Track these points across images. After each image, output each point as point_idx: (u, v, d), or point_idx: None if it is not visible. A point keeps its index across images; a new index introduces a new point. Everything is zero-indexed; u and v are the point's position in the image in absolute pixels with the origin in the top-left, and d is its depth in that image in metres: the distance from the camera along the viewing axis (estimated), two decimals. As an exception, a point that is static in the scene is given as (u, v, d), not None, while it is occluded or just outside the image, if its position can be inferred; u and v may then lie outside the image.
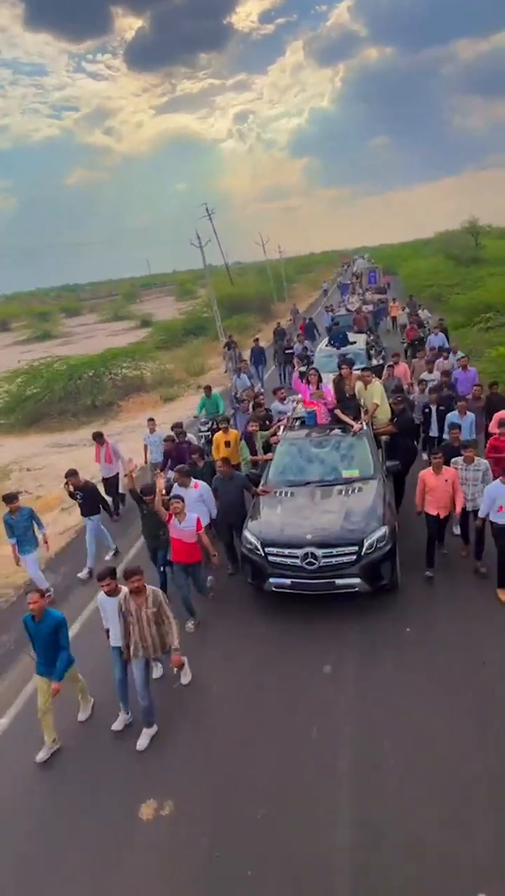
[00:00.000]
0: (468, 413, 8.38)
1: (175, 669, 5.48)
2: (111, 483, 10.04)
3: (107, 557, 8.59)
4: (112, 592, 5.23)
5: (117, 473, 9.96)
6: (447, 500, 6.70)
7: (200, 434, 10.74)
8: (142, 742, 5.11)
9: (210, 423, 10.75)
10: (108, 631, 5.43)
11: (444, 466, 6.69)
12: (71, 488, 8.27)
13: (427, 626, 6.12)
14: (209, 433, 10.19)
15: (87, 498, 8.22)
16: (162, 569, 6.99)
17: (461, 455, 6.84)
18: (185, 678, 5.78)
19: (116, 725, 5.41)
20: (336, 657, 5.84)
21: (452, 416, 8.42)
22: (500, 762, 4.46)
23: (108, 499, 9.81)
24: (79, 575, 8.35)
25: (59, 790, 4.85)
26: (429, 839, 3.98)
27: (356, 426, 7.95)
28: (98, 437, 9.95)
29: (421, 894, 3.67)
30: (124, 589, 5.14)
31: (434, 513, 6.80)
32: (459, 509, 6.74)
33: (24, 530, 7.39)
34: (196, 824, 4.33)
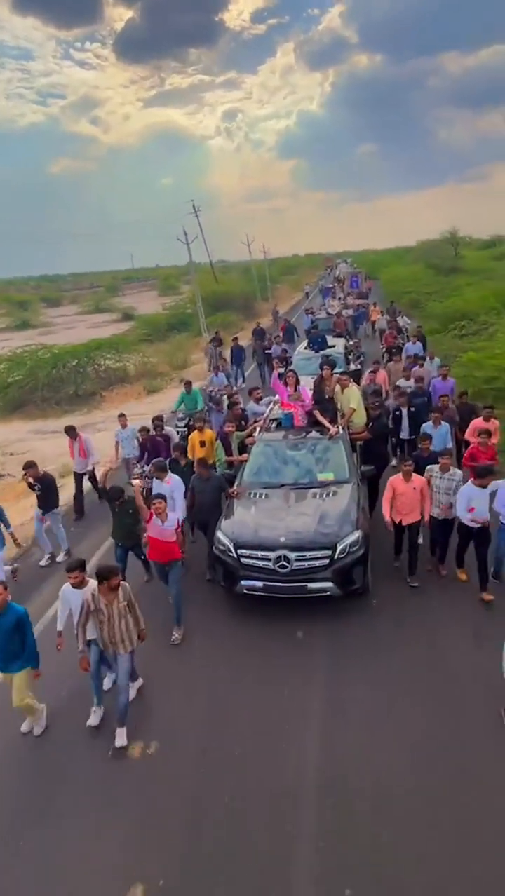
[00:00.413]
0: (442, 423, 8.40)
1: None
2: (87, 478, 9.85)
3: (58, 558, 8.36)
4: (79, 585, 5.16)
5: (92, 469, 9.85)
6: (414, 507, 6.74)
7: (177, 430, 10.65)
8: (119, 741, 5.03)
9: (187, 418, 10.73)
10: (59, 633, 5.28)
11: (413, 474, 6.69)
12: (30, 480, 8.11)
13: (392, 599, 6.77)
14: (185, 429, 10.15)
15: (45, 490, 8.12)
16: (143, 557, 7.04)
17: (435, 464, 6.84)
18: (133, 690, 5.65)
19: (92, 720, 5.33)
20: (308, 624, 6.39)
21: (426, 427, 8.45)
22: (446, 701, 5.22)
23: (90, 493, 9.68)
24: (40, 563, 8.29)
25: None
26: (386, 772, 4.58)
27: (332, 430, 7.97)
28: (70, 432, 9.76)
29: (376, 817, 4.25)
30: (91, 584, 5.10)
31: (397, 519, 6.82)
32: (426, 517, 6.78)
33: None
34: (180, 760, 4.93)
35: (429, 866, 3.86)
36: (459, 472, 6.80)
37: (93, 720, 5.36)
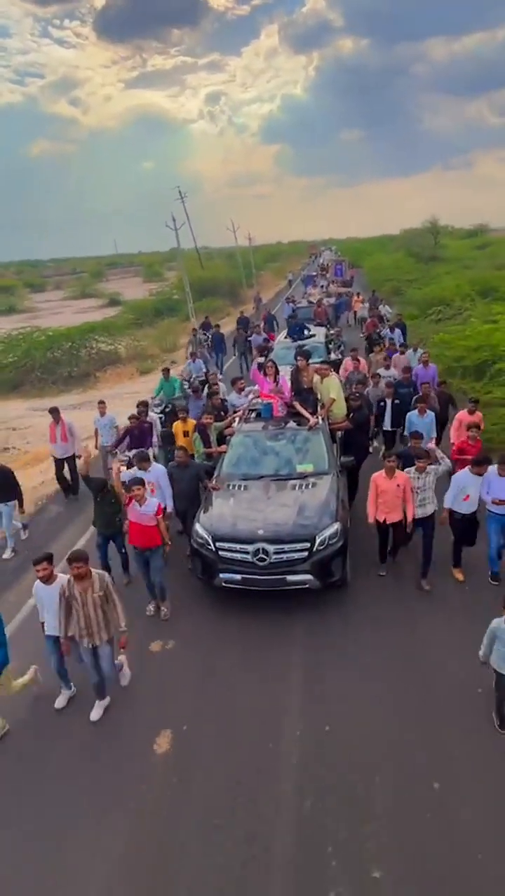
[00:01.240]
0: (428, 412, 8.26)
1: (120, 656, 5.35)
2: (68, 463, 9.59)
3: (4, 556, 8.14)
4: (47, 579, 5.04)
5: (73, 454, 9.59)
6: (397, 504, 6.46)
7: (155, 415, 10.35)
8: (95, 713, 5.10)
9: (164, 405, 10.59)
10: (42, 623, 5.19)
11: (397, 471, 6.44)
12: None
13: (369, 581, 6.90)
14: (162, 416, 10.02)
15: (2, 481, 7.85)
16: (123, 550, 6.94)
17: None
18: (125, 680, 5.50)
19: (59, 702, 5.31)
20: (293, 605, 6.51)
21: (413, 417, 8.34)
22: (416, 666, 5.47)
23: (79, 481, 9.30)
24: (3, 556, 8.10)
25: None
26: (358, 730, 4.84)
27: (312, 420, 7.89)
28: (54, 413, 9.48)
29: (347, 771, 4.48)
30: (61, 579, 5.01)
31: (381, 518, 6.57)
32: (410, 517, 6.48)
33: None
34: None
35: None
36: (432, 467, 6.51)
37: (59, 701, 5.31)
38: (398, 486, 6.40)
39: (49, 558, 5.06)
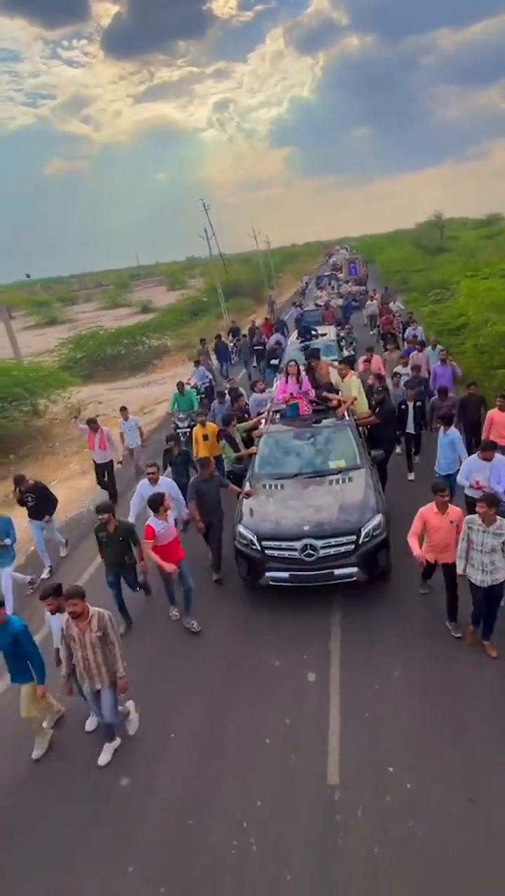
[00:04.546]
0: (451, 429, 7.38)
1: (127, 702, 5.08)
2: (107, 469, 9.88)
3: (44, 575, 7.94)
4: (56, 611, 4.87)
5: (111, 460, 9.89)
6: (451, 543, 5.46)
7: (179, 430, 10.70)
8: (104, 757, 4.74)
9: (188, 418, 10.64)
10: (57, 650, 4.90)
11: (450, 505, 5.51)
12: (19, 494, 7.73)
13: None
14: (188, 429, 10.02)
15: (38, 499, 7.75)
16: (137, 588, 6.59)
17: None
18: (132, 727, 5.06)
19: (90, 724, 5.13)
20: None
21: (441, 439, 7.35)
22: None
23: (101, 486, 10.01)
24: (43, 576, 7.94)
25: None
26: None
27: (340, 409, 7.98)
28: (92, 424, 9.65)
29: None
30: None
31: (431, 559, 5.64)
32: (453, 561, 5.43)
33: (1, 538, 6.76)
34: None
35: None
36: None
37: (90, 724, 5.11)
38: (452, 522, 5.42)
39: (57, 591, 4.88)
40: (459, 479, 6.59)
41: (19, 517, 8.15)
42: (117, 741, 4.87)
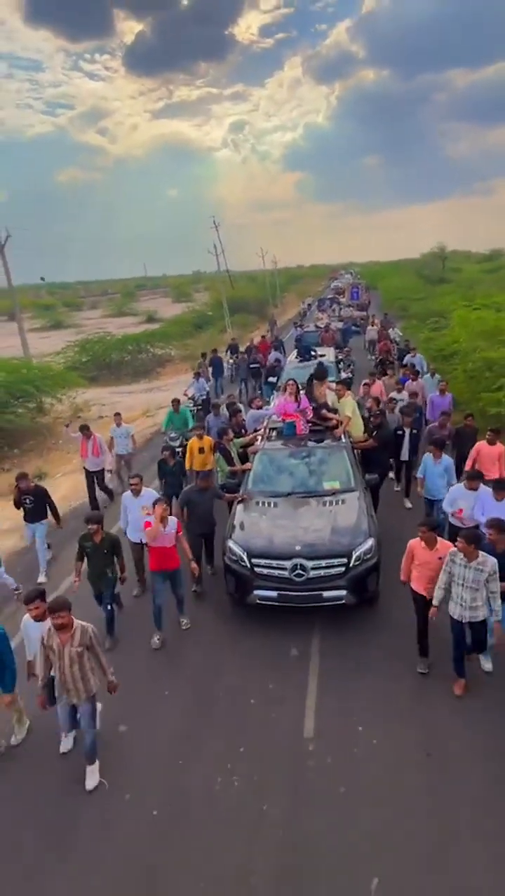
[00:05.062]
0: (443, 457, 7.39)
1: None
2: (98, 476, 9.78)
3: (39, 579, 7.66)
4: (40, 617, 4.69)
5: (103, 469, 9.84)
6: (437, 578, 5.23)
7: (173, 447, 9.82)
8: (90, 782, 4.52)
9: (180, 437, 10.15)
10: (30, 663, 4.79)
11: (439, 539, 5.38)
12: (17, 494, 7.54)
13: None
14: (181, 448, 9.58)
15: (37, 502, 7.57)
16: (109, 606, 6.20)
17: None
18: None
19: (64, 746, 4.90)
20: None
21: (428, 462, 7.41)
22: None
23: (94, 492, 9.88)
24: (39, 580, 7.67)
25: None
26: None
27: (339, 430, 7.93)
28: (85, 430, 9.51)
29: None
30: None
31: (421, 591, 5.42)
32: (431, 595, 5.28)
33: None
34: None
35: None
36: (491, 559, 4.88)
37: (64, 745, 4.86)
38: (440, 558, 5.22)
39: (42, 595, 4.76)
40: (444, 506, 6.62)
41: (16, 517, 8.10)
42: (97, 763, 4.64)
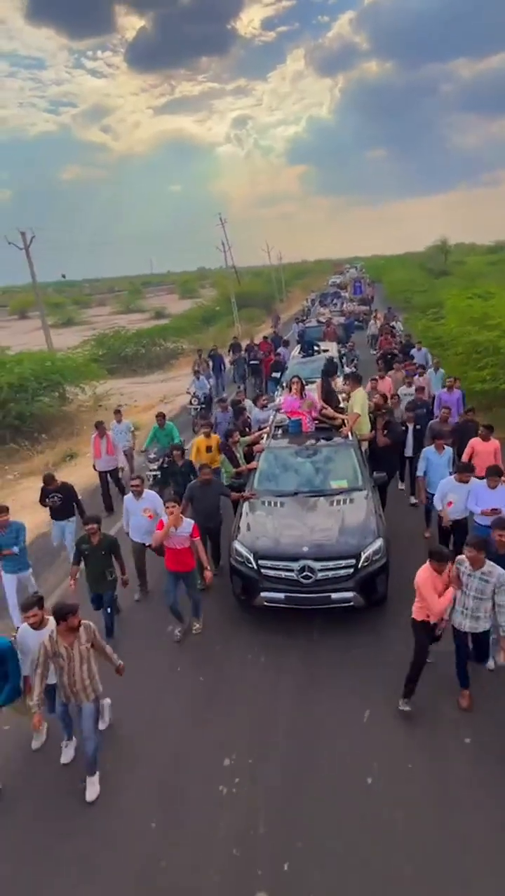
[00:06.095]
0: (446, 448, 7.29)
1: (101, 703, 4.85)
2: (111, 475, 9.66)
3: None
4: (38, 625, 4.58)
5: (116, 467, 9.75)
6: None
7: (149, 473, 9.50)
8: (91, 793, 4.43)
9: (161, 459, 9.27)
10: (26, 678, 4.64)
11: (449, 564, 4.79)
12: (43, 494, 7.42)
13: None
14: (158, 471, 9.22)
15: (65, 500, 7.42)
16: (108, 610, 6.11)
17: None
18: (103, 724, 4.99)
19: (65, 757, 4.81)
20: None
21: (429, 454, 7.26)
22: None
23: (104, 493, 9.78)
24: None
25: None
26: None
27: (345, 428, 7.68)
28: (99, 427, 9.31)
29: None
30: (51, 625, 4.45)
31: (420, 618, 4.93)
32: (444, 620, 4.93)
33: (10, 546, 6.34)
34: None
35: None
36: (500, 570, 4.62)
37: (65, 757, 4.77)
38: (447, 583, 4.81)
39: (40, 602, 4.67)
40: (435, 501, 6.49)
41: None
42: (97, 774, 4.54)
